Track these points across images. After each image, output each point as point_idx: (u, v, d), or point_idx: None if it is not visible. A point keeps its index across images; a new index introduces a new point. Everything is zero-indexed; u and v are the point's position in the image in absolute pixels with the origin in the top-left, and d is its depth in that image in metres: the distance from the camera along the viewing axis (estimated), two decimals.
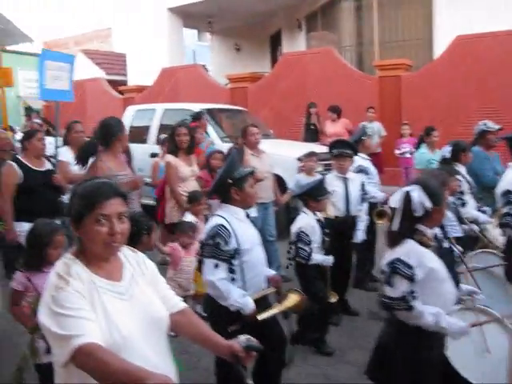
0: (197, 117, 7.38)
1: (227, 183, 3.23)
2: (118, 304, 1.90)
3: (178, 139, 5.66)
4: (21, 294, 3.28)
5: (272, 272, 3.51)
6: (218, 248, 3.15)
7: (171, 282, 4.59)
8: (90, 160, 4.63)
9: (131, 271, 2.04)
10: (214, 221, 3.27)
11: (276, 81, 13.00)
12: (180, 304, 2.18)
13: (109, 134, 4.61)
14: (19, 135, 14.81)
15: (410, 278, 2.59)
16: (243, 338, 2.04)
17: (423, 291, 2.63)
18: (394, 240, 2.72)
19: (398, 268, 2.62)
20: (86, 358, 1.69)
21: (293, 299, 3.18)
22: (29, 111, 27.08)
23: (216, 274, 3.16)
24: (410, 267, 2.59)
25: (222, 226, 3.18)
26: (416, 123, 9.68)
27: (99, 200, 1.88)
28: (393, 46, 14.18)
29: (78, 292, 1.81)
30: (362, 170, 5.65)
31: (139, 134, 9.37)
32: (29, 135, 5.07)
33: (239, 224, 3.25)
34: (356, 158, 5.41)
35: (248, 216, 3.38)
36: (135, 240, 3.16)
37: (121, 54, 19.99)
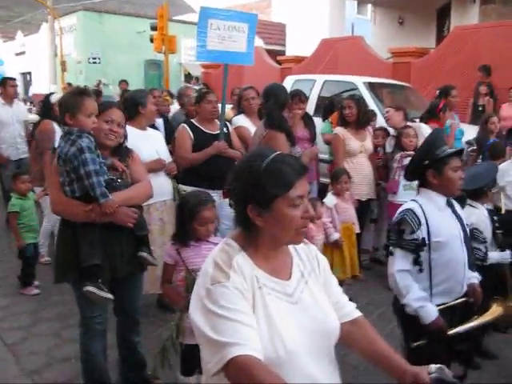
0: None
1: (423, 165, 2.79)
2: (284, 308, 1.59)
3: (345, 111, 5.39)
4: (171, 269, 3.10)
5: (474, 278, 2.92)
6: (400, 236, 2.76)
7: None
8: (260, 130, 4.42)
9: (301, 268, 1.71)
10: (406, 205, 2.87)
11: (443, 56, 12.06)
12: (354, 312, 1.84)
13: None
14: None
15: None
16: (435, 367, 1.60)
17: None
18: None
19: None
20: (239, 372, 1.42)
21: (495, 310, 2.65)
22: (188, 78, 28.32)
23: (396, 265, 2.76)
24: None
25: (411, 211, 2.76)
26: None
27: (295, 178, 1.57)
28: None
29: (239, 290, 1.52)
30: None
31: None
32: (200, 98, 4.96)
33: (436, 213, 2.77)
34: None
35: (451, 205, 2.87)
36: None
37: (280, 24, 19.96)
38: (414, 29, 19.18)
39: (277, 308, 1.57)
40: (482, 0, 16.04)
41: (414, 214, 2.75)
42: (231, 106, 7.17)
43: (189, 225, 3.02)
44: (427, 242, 2.72)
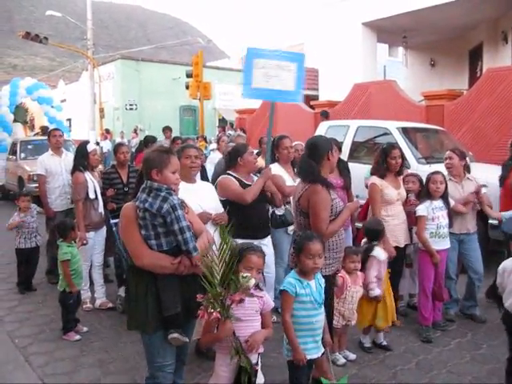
0: None
1: None
2: None
3: (391, 161, 5.32)
4: (216, 322, 3.02)
5: None
6: None
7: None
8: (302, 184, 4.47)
9: None
10: None
11: (477, 98, 12.06)
12: None
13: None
14: (213, 146, 15.79)
15: None
16: None
17: None
18: None
19: None
20: None
21: None
22: (222, 123, 28.87)
23: None
24: None
25: None
26: None
27: None
28: None
29: None
30: None
31: None
32: (242, 150, 5.08)
33: None
34: None
35: None
36: None
37: (313, 69, 20.29)
38: (446, 70, 19.29)
39: None
40: None
41: None
42: (256, 151, 7.22)
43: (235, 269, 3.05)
44: None
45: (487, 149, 10.82)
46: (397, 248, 5.23)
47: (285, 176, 5.68)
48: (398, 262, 5.36)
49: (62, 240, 5.39)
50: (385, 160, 5.35)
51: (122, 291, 6.25)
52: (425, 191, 5.33)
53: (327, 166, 4.14)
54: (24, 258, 6.84)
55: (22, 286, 6.80)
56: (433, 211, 5.13)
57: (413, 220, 5.38)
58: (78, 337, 5.28)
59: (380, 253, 4.76)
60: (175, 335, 3.05)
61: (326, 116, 13.25)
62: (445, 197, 5.25)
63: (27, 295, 6.68)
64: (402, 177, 5.61)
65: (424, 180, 5.51)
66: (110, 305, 6.04)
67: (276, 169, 5.66)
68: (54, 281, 6.79)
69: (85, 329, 5.44)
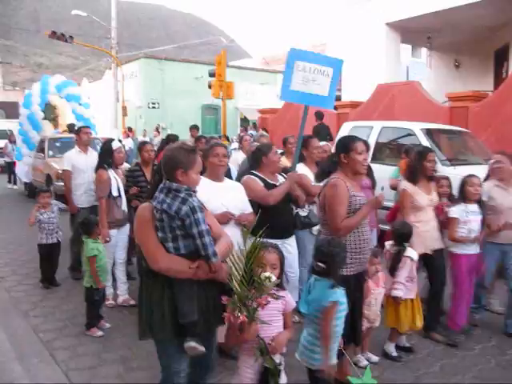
0: None
1: None
2: None
3: (427, 164, 5.11)
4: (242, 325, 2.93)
5: None
6: None
7: None
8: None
9: None
10: None
11: (502, 100, 11.90)
12: None
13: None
14: (234, 145, 15.81)
15: None
16: None
17: None
18: None
19: None
20: None
21: None
22: (244, 122, 28.91)
23: None
24: None
25: None
26: None
27: None
28: None
29: None
30: None
31: None
32: (266, 150, 5.07)
33: None
34: None
35: None
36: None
37: None
38: (471, 72, 19.07)
39: None
40: None
41: None
42: (280, 151, 7.20)
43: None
44: None
45: None
46: (425, 255, 5.03)
47: (310, 176, 5.67)
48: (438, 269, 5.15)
49: (87, 236, 5.45)
50: (420, 164, 5.11)
51: None
52: (460, 194, 5.15)
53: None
54: (45, 253, 6.93)
55: (45, 282, 6.89)
56: (466, 215, 5.01)
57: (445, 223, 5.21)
58: (100, 333, 5.33)
59: (413, 253, 4.69)
60: (192, 344, 2.92)
61: (320, 118, 13.09)
62: (480, 202, 5.10)
63: (51, 290, 6.77)
64: (433, 182, 5.35)
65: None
66: (133, 302, 6.08)
67: (302, 168, 5.68)
68: (78, 277, 6.88)
69: (107, 325, 5.49)
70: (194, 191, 2.99)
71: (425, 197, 5.11)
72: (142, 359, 4.71)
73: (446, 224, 5.18)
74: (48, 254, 6.92)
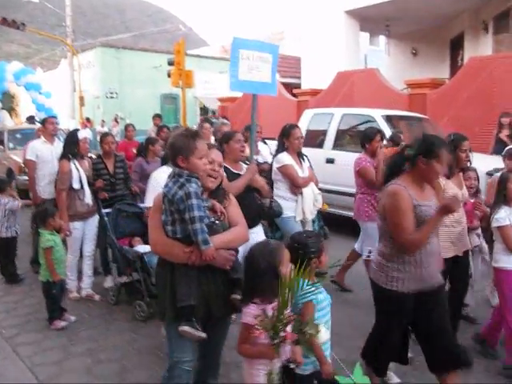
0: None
1: None
2: None
3: (462, 154, 4.52)
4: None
5: None
6: None
7: None
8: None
9: None
10: None
11: (459, 87, 12.17)
12: None
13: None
14: None
15: None
16: None
17: None
18: None
19: None
20: None
21: None
22: (204, 111, 28.71)
23: None
24: None
25: None
26: None
27: None
28: None
29: None
30: None
31: (315, 138, 9.33)
32: (227, 137, 4.87)
33: None
34: None
35: None
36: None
37: (295, 57, 20.28)
38: (428, 59, 19.42)
39: None
40: (494, 29, 16.23)
41: None
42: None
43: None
44: None
45: (470, 138, 10.87)
46: (456, 257, 4.41)
47: (294, 165, 5.66)
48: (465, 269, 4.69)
49: (44, 228, 5.31)
50: (453, 153, 4.21)
51: (109, 282, 6.21)
52: (501, 195, 4.27)
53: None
54: (3, 246, 6.78)
55: (6, 277, 6.73)
56: (510, 220, 4.15)
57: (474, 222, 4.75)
58: (63, 323, 5.22)
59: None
60: (185, 328, 2.90)
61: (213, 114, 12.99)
62: None
63: (13, 286, 6.61)
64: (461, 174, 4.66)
65: None
66: (97, 297, 6.00)
67: (285, 157, 5.66)
68: (39, 270, 6.73)
69: (72, 318, 5.38)
70: (197, 177, 2.96)
71: (459, 193, 4.35)
72: (110, 351, 4.66)
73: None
74: (6, 248, 6.78)
